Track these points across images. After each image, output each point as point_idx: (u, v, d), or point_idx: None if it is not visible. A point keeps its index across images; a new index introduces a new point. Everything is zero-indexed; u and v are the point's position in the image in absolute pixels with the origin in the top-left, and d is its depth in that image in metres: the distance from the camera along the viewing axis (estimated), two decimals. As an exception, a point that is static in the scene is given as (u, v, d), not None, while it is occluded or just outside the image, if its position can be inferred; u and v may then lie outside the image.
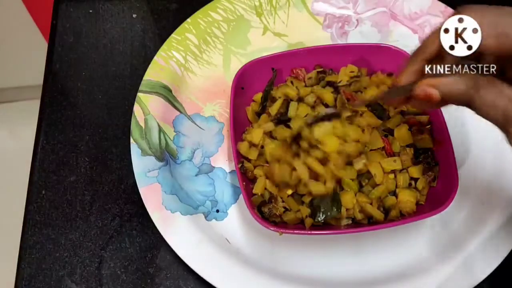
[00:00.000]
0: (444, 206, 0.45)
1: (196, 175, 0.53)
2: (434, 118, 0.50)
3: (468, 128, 0.55)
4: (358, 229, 0.46)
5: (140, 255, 0.50)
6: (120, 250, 0.50)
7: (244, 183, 0.48)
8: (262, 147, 0.50)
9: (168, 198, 0.50)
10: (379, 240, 0.49)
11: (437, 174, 0.49)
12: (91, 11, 0.65)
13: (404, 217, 0.48)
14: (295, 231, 0.46)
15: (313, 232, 0.46)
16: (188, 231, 0.49)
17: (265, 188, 0.49)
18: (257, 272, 0.47)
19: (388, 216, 0.48)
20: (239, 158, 0.50)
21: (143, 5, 0.65)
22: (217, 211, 0.51)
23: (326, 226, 0.48)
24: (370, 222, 0.48)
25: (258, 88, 0.55)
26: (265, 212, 0.47)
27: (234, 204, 0.52)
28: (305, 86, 0.54)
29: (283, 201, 0.48)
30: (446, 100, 0.35)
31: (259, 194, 0.49)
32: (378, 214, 0.47)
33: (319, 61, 0.55)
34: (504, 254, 0.47)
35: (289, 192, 0.47)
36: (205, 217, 0.51)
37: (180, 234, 0.48)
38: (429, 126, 0.51)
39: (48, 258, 0.50)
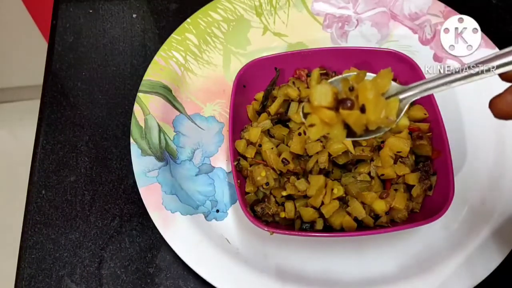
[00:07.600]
0: (437, 216, 0.44)
1: (196, 175, 0.53)
2: (435, 126, 0.50)
3: (468, 126, 0.55)
4: (349, 233, 0.46)
5: (140, 255, 0.50)
6: (120, 250, 0.50)
7: (238, 181, 0.48)
8: (260, 145, 0.50)
9: (168, 198, 0.50)
10: (378, 240, 0.49)
11: (433, 183, 0.48)
12: (91, 11, 0.65)
13: (396, 223, 0.47)
14: (285, 232, 0.46)
15: (302, 233, 0.46)
16: (188, 231, 0.49)
17: (258, 187, 0.49)
18: (257, 272, 0.47)
19: (377, 221, 0.47)
20: (236, 155, 0.50)
21: (143, 5, 0.65)
22: (217, 211, 0.51)
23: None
24: (361, 226, 0.48)
25: (260, 87, 0.55)
26: (257, 211, 0.47)
27: (234, 204, 0.52)
28: (307, 87, 0.54)
29: (276, 201, 0.48)
30: None
31: (253, 192, 0.49)
32: (368, 219, 0.47)
33: (323, 63, 0.55)
34: (504, 254, 0.47)
35: (284, 193, 0.47)
36: (205, 217, 0.51)
37: (180, 234, 0.48)
38: (429, 134, 0.50)
39: (48, 258, 0.50)
